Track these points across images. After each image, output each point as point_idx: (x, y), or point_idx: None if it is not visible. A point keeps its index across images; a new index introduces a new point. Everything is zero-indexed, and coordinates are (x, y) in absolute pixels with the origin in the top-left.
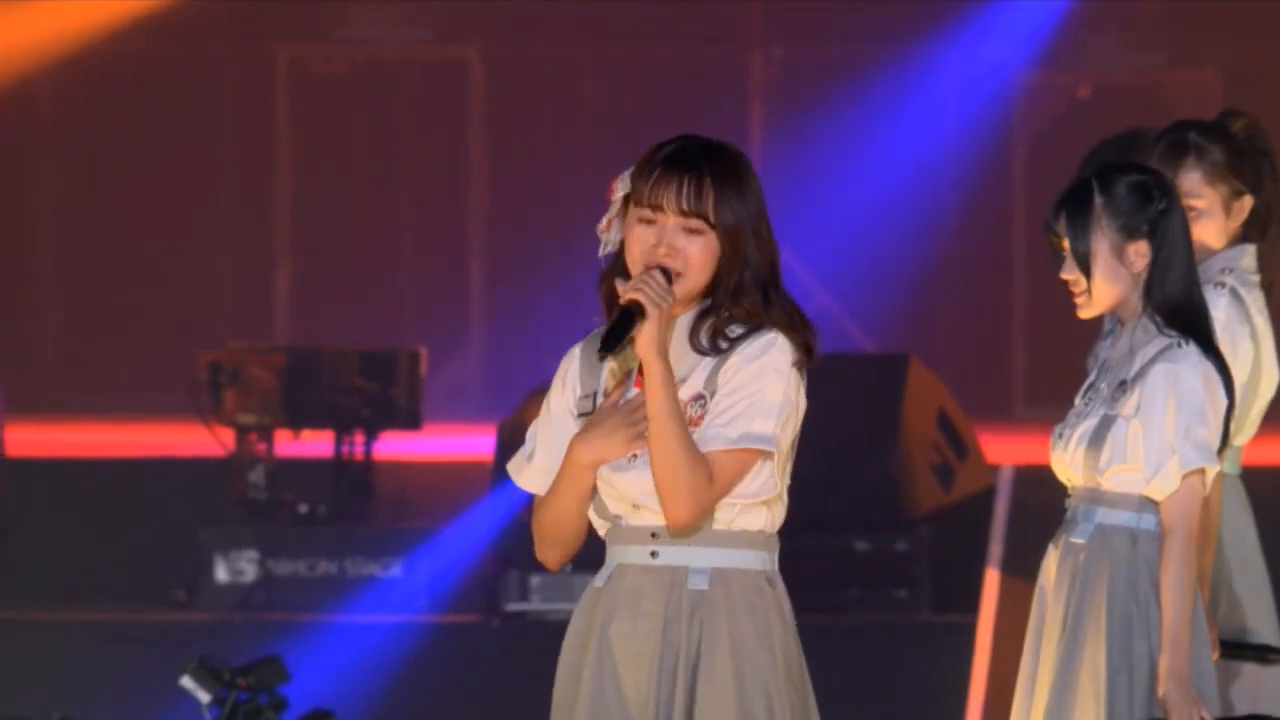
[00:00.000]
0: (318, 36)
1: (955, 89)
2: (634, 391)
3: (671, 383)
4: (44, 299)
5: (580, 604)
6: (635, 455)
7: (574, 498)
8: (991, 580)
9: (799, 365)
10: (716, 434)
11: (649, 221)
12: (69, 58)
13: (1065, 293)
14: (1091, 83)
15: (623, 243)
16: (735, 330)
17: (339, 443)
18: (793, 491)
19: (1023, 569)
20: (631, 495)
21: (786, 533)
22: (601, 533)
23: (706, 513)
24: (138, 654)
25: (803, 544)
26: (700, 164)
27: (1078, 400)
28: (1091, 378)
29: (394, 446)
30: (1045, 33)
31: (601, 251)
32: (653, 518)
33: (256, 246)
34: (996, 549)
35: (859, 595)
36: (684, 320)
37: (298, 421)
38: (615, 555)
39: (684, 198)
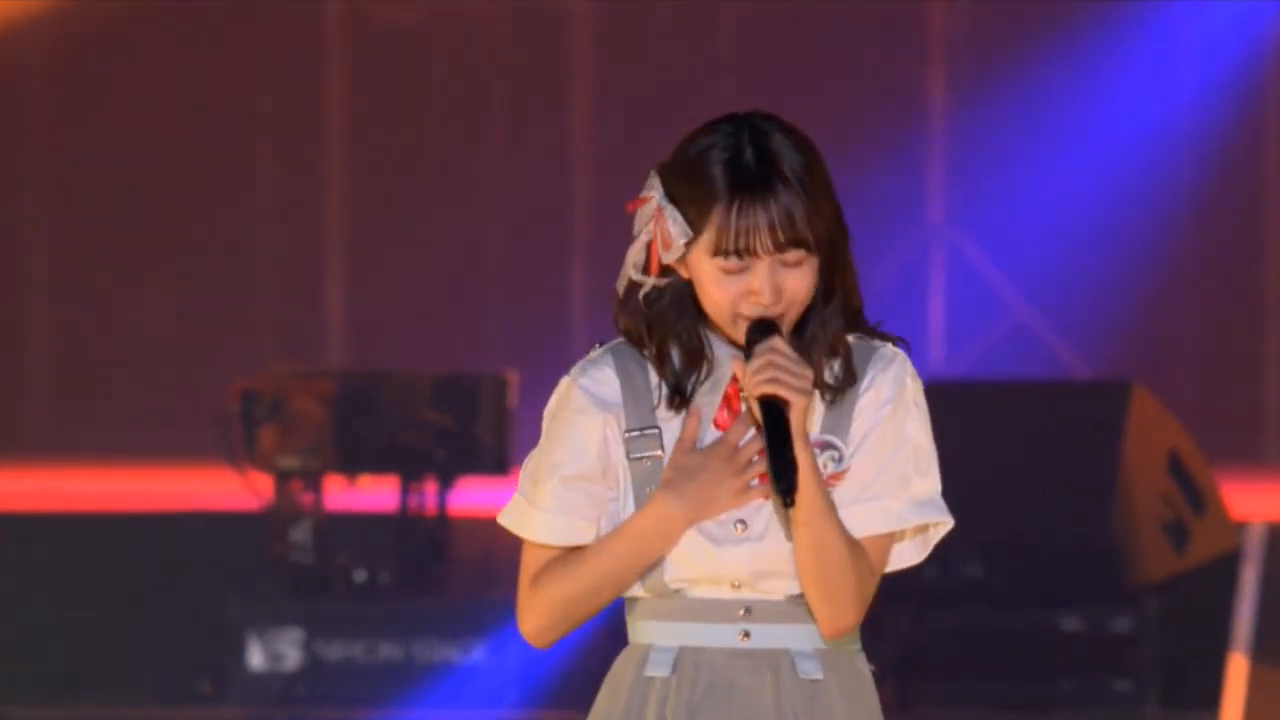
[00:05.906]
0: None
1: (1189, 44)
2: (713, 433)
3: (819, 473)
4: (34, 311)
5: (620, 697)
6: (743, 524)
7: (644, 564)
8: (1238, 668)
9: None
10: (882, 510)
11: (735, 271)
12: (63, 14)
13: None
14: None
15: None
16: (836, 361)
17: (405, 492)
18: (986, 556)
19: (1277, 654)
20: (735, 574)
21: (977, 608)
22: (640, 597)
23: None
24: None
25: (999, 622)
26: (778, 173)
27: None
28: None
29: (475, 496)
30: None
31: (637, 230)
32: (749, 593)
33: (302, 247)
34: (1244, 628)
35: (1069, 688)
36: None
37: (353, 465)
38: (676, 635)
39: (778, 229)
